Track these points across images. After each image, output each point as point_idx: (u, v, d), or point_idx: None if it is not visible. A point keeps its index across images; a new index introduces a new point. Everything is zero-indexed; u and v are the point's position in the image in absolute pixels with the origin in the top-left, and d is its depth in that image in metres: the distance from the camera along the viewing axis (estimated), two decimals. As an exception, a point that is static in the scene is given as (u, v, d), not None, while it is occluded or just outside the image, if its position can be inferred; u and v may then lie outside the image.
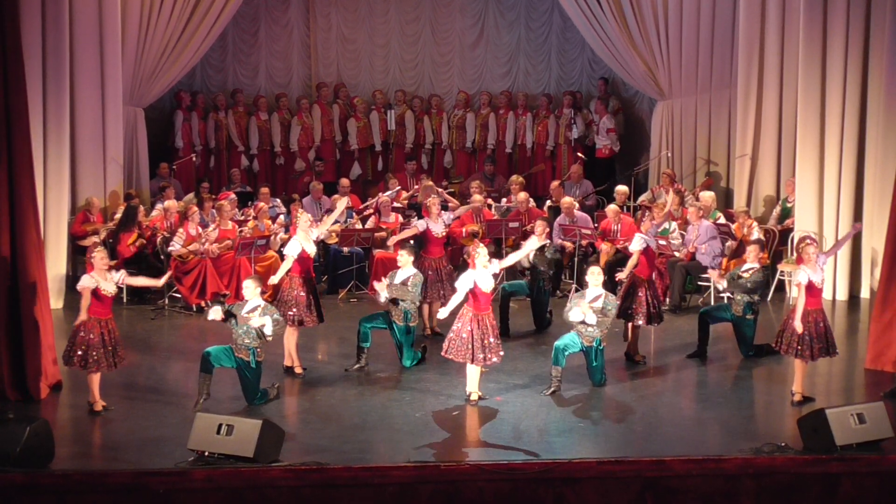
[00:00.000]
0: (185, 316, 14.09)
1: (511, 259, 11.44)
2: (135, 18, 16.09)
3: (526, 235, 14.94)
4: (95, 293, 10.36)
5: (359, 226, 15.44)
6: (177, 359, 12.30)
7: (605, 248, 14.82)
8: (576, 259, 14.99)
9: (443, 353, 10.86)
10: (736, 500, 9.00)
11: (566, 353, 11.02)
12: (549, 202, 16.60)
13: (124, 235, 14.51)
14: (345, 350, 12.29)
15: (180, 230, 14.50)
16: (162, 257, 14.42)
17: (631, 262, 12.10)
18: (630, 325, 12.03)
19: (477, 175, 18.35)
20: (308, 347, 12.51)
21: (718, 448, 9.59)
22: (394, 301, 11.73)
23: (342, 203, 13.11)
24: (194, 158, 18.17)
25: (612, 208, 15.39)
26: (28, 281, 10.79)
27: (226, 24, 17.52)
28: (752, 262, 12.14)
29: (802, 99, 14.72)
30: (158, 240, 14.62)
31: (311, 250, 11.85)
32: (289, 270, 11.75)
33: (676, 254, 14.41)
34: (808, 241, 10.93)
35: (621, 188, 16.50)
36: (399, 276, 11.79)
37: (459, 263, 14.16)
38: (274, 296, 13.82)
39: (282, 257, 14.41)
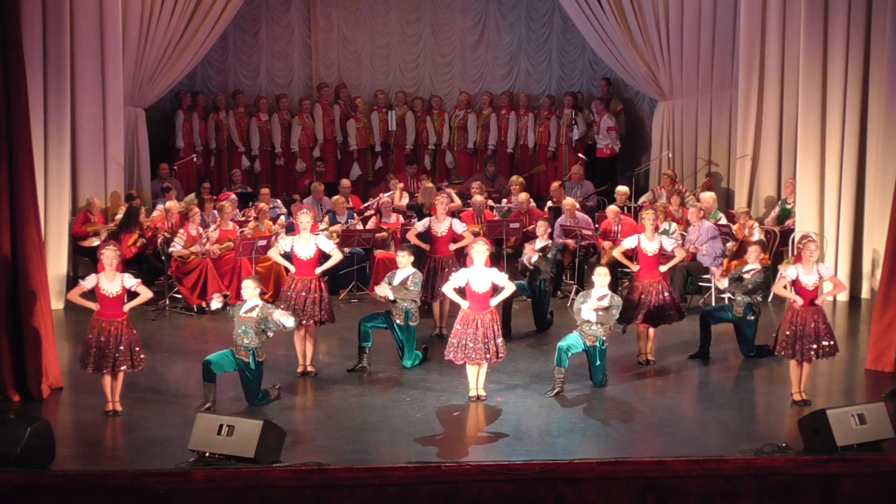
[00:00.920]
0: (185, 316, 14.09)
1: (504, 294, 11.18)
2: (136, 19, 16.10)
3: (527, 236, 14.96)
4: (94, 293, 10.35)
5: (360, 227, 15.44)
6: (177, 359, 12.30)
7: (607, 245, 14.81)
8: (576, 259, 14.99)
9: (452, 360, 10.85)
10: (736, 500, 9.00)
11: (569, 354, 11.02)
12: (549, 203, 16.61)
13: (125, 236, 14.51)
14: (345, 351, 12.29)
15: (181, 231, 14.51)
16: (163, 258, 14.42)
17: (677, 259, 12.24)
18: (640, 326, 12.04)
19: (478, 175, 18.36)
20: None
21: (719, 448, 9.58)
22: (394, 301, 11.74)
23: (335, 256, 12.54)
24: (195, 159, 18.18)
25: (612, 209, 15.40)
26: (29, 281, 10.79)
27: (227, 25, 17.54)
28: (753, 263, 12.13)
29: (803, 99, 14.72)
30: (159, 240, 14.62)
31: (305, 253, 11.79)
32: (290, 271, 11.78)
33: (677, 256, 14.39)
34: (809, 239, 10.93)
35: (622, 189, 16.50)
36: (398, 277, 11.79)
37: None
38: (275, 296, 13.89)
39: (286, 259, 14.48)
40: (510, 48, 19.81)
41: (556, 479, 8.91)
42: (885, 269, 11.95)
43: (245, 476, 8.78)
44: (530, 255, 13.29)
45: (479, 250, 10.91)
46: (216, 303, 10.74)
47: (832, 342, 10.75)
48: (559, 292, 14.68)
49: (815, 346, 10.62)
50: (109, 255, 10.39)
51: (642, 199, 16.85)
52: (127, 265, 13.64)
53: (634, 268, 12.10)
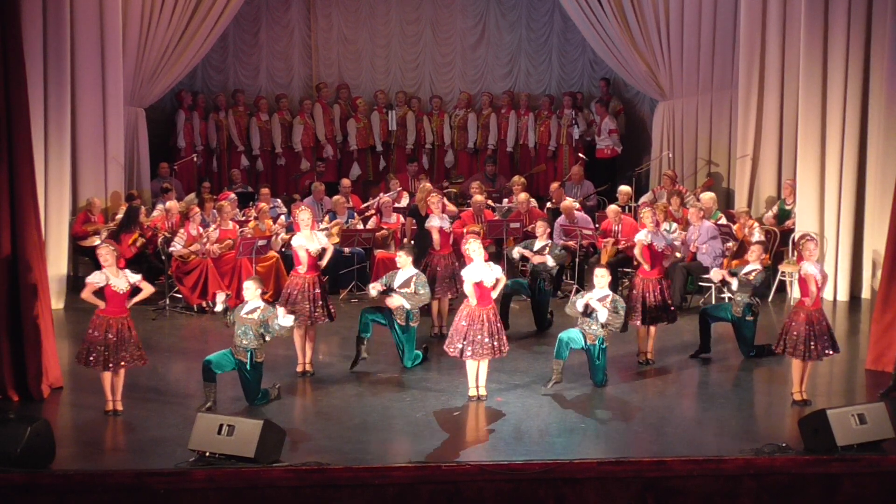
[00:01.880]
0: (185, 316, 14.09)
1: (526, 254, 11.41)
2: (136, 19, 16.11)
3: (527, 236, 14.96)
4: (103, 291, 10.35)
5: (360, 226, 15.44)
6: (178, 359, 12.30)
7: (608, 242, 14.83)
8: (577, 259, 15.00)
9: (446, 348, 10.86)
10: (736, 500, 9.00)
11: (569, 347, 11.02)
12: (548, 204, 16.61)
13: (125, 236, 14.51)
14: (346, 351, 12.29)
15: (181, 230, 14.51)
16: (163, 257, 14.42)
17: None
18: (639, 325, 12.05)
19: (478, 175, 18.37)
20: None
21: (719, 448, 9.59)
22: (386, 291, 11.74)
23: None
24: (195, 159, 18.18)
25: (612, 208, 15.40)
26: (29, 281, 10.79)
27: (227, 25, 17.55)
28: (754, 263, 12.12)
29: (803, 99, 14.72)
30: (159, 240, 14.62)
31: (313, 248, 11.80)
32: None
33: (677, 254, 14.39)
34: (808, 238, 10.93)
35: (624, 188, 16.51)
36: (399, 277, 11.77)
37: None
38: (275, 295, 13.89)
39: (283, 257, 14.50)
40: (510, 48, 19.82)
41: (556, 479, 8.91)
42: (885, 269, 11.95)
43: (245, 476, 8.78)
44: (538, 260, 13.22)
45: (475, 248, 10.92)
46: (220, 304, 10.75)
47: (831, 342, 10.81)
48: (559, 292, 14.68)
49: (825, 344, 10.63)
50: (105, 253, 10.44)
51: (642, 199, 16.85)
52: (128, 265, 13.62)
53: (647, 266, 12.08)
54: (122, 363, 10.32)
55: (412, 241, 14.67)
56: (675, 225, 14.96)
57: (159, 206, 15.72)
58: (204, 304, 14.06)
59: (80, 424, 10.42)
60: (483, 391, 10.86)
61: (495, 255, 14.04)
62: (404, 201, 16.80)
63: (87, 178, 15.31)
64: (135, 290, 10.54)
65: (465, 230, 15.05)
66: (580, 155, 18.29)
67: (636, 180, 17.23)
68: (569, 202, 15.68)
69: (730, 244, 14.67)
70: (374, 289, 11.83)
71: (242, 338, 10.51)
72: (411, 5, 19.72)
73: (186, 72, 17.43)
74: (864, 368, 11.89)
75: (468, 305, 10.84)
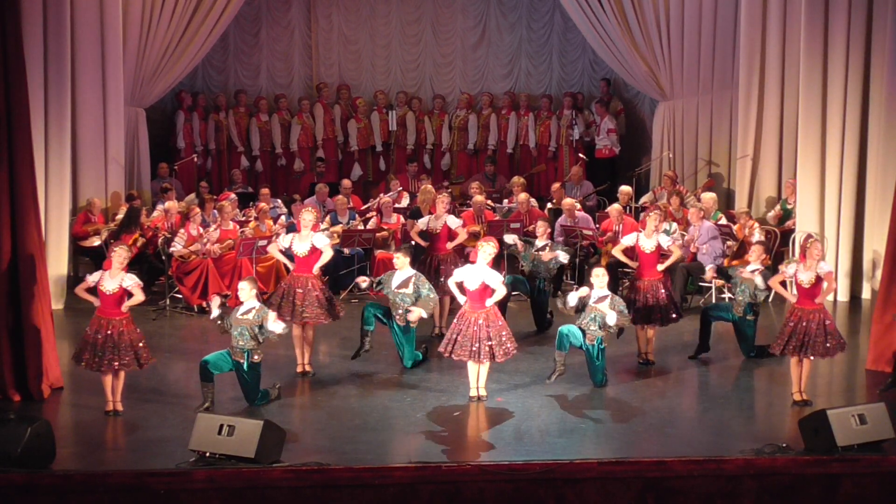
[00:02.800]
0: (186, 316, 14.09)
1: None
2: (136, 19, 16.10)
3: (527, 236, 14.94)
4: (95, 290, 10.37)
5: (360, 227, 15.44)
6: (178, 359, 12.30)
7: (608, 247, 14.82)
8: (577, 260, 14.99)
9: (442, 351, 10.85)
10: (737, 500, 9.00)
11: (569, 340, 11.02)
12: (549, 204, 16.60)
13: (125, 237, 14.50)
14: (346, 351, 12.28)
15: (181, 230, 14.51)
16: (163, 258, 14.42)
17: (674, 257, 12.24)
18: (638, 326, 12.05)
19: (478, 176, 18.37)
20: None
21: (719, 449, 9.59)
22: (377, 283, 11.80)
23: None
24: (195, 159, 18.19)
25: (615, 208, 15.39)
26: (29, 281, 10.78)
27: (227, 25, 17.54)
28: (755, 263, 12.11)
29: (804, 99, 14.72)
30: (160, 240, 14.62)
31: (302, 250, 11.77)
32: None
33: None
34: (815, 240, 10.95)
35: (625, 188, 16.50)
36: (397, 278, 11.75)
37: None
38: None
39: (286, 256, 14.49)
40: (511, 48, 19.82)
41: (556, 480, 8.91)
42: (885, 269, 11.95)
43: (245, 476, 8.78)
44: (549, 256, 13.19)
45: (487, 251, 10.91)
46: (215, 309, 10.71)
47: (840, 340, 10.77)
48: (559, 292, 14.68)
49: (820, 343, 10.62)
50: (121, 254, 10.46)
51: (643, 199, 16.86)
52: (128, 265, 13.62)
53: (634, 265, 12.11)
54: (114, 364, 10.28)
55: (412, 243, 14.65)
56: (675, 225, 14.96)
57: (159, 207, 15.72)
58: (204, 304, 14.05)
59: (81, 424, 10.42)
60: (483, 392, 10.85)
61: (495, 256, 14.00)
62: (404, 202, 16.80)
63: (87, 178, 15.31)
64: (129, 294, 10.48)
65: (467, 230, 15.06)
66: (580, 155, 18.29)
67: (636, 181, 17.22)
68: (570, 201, 15.67)
69: (730, 244, 14.67)
70: (363, 282, 11.92)
71: (239, 339, 10.51)
72: (412, 5, 19.72)
73: (187, 72, 17.42)
74: (864, 368, 11.89)
75: (470, 306, 10.84)
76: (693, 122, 17.79)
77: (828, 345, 10.66)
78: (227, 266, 14.30)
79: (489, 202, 16.49)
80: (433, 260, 13.21)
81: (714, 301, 14.25)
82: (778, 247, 15.25)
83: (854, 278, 14.76)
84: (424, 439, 9.83)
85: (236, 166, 18.36)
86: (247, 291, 10.64)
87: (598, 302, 11.05)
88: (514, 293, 13.37)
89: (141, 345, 10.47)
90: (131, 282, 10.48)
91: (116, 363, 10.31)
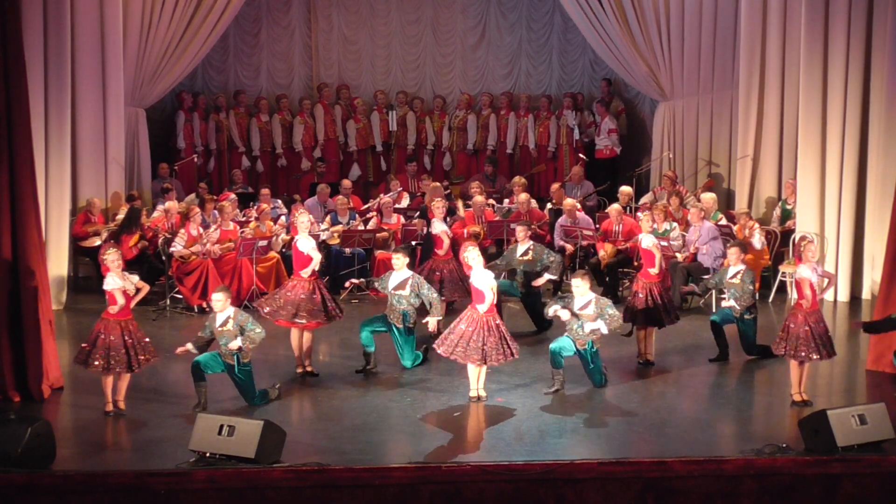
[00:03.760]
0: (186, 317, 14.09)
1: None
2: (136, 19, 16.11)
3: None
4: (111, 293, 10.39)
5: (361, 227, 15.44)
6: (178, 359, 12.23)
7: (607, 249, 14.83)
8: (577, 260, 14.99)
9: (443, 352, 10.85)
10: (737, 500, 9.00)
11: (563, 355, 11.02)
12: (549, 204, 16.60)
13: (126, 237, 14.51)
14: (346, 351, 12.30)
15: (182, 231, 14.51)
16: (163, 258, 14.42)
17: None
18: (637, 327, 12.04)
19: (478, 176, 18.37)
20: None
21: (719, 449, 9.60)
22: (370, 283, 11.89)
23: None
24: (196, 159, 18.19)
25: (615, 208, 15.38)
26: (29, 282, 10.79)
27: (227, 26, 17.54)
28: (735, 265, 12.09)
29: (804, 100, 14.73)
30: (160, 241, 14.62)
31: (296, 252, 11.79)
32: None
33: (678, 255, 14.40)
34: (808, 240, 10.96)
35: (625, 189, 16.50)
36: (394, 279, 11.73)
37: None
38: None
39: (283, 258, 14.52)
40: (511, 49, 19.82)
41: (556, 480, 8.91)
42: (885, 269, 11.95)
43: (245, 476, 8.79)
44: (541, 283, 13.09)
45: (473, 256, 10.94)
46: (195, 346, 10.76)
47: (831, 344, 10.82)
48: (559, 293, 14.67)
49: (823, 344, 10.65)
50: (113, 258, 10.45)
51: (643, 199, 16.86)
52: (128, 266, 13.63)
53: (653, 269, 12.05)
54: (125, 365, 10.31)
55: (412, 243, 14.67)
56: (675, 225, 14.96)
57: (159, 207, 15.72)
58: (204, 304, 14.05)
59: (81, 425, 10.42)
60: (482, 392, 10.86)
61: (496, 256, 14.02)
62: (405, 202, 16.80)
63: (87, 178, 15.32)
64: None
65: (465, 231, 15.08)
66: (580, 155, 18.29)
67: (637, 181, 17.22)
68: (570, 202, 15.66)
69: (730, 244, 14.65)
70: (356, 282, 12.13)
71: (225, 346, 10.53)
72: (412, 6, 19.73)
73: (187, 72, 17.43)
74: (864, 369, 11.90)
75: (472, 309, 10.84)
76: (693, 123, 17.80)
77: (824, 349, 10.67)
78: (227, 266, 14.30)
79: (490, 201, 16.48)
80: (434, 263, 13.21)
81: (714, 302, 14.23)
82: (778, 247, 15.25)
83: (854, 278, 14.76)
84: (424, 439, 9.83)
85: (237, 166, 18.36)
86: (222, 302, 10.59)
87: (582, 309, 11.02)
88: (506, 294, 13.27)
89: (147, 340, 10.51)
90: (135, 278, 10.58)
91: (123, 364, 10.31)
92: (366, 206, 16.48)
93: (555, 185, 17.06)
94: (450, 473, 8.90)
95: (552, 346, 11.08)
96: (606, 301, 11.21)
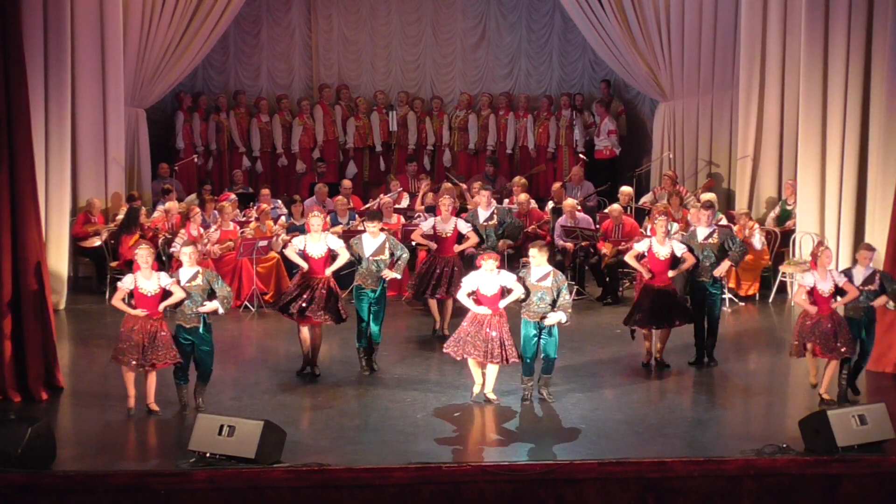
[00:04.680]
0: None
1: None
2: (136, 19, 16.09)
3: (527, 237, 14.94)
4: (132, 293, 10.42)
5: (361, 227, 15.42)
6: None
7: (607, 248, 14.82)
8: (577, 260, 14.99)
9: (449, 352, 10.84)
10: (737, 500, 9.01)
11: (528, 355, 10.83)
12: (551, 204, 16.58)
13: (126, 237, 14.51)
14: (347, 351, 12.28)
15: (182, 231, 14.51)
16: (163, 258, 14.42)
17: (686, 264, 11.97)
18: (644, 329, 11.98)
19: (478, 176, 18.36)
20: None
21: (719, 449, 9.59)
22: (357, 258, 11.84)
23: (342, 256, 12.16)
24: (196, 160, 18.18)
25: (615, 208, 15.37)
26: (29, 282, 10.79)
27: (227, 26, 17.52)
28: (705, 227, 12.05)
29: (804, 100, 14.71)
30: (160, 241, 14.62)
31: (316, 252, 11.76)
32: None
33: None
34: (825, 247, 10.93)
35: (625, 189, 16.48)
36: (370, 245, 11.77)
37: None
38: (276, 296, 13.91)
39: (283, 258, 14.52)
40: (511, 49, 19.81)
41: (556, 480, 8.92)
42: (885, 269, 11.94)
43: (245, 476, 8.79)
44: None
45: (490, 266, 10.79)
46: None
47: (850, 346, 10.76)
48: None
49: (837, 345, 10.64)
50: (144, 254, 10.48)
51: (643, 199, 16.85)
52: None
53: (647, 275, 11.86)
54: (155, 363, 10.34)
55: (412, 244, 14.63)
56: (675, 225, 14.95)
57: (160, 207, 15.72)
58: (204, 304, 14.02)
59: (81, 425, 10.43)
60: (492, 396, 10.81)
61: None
62: (404, 202, 16.80)
63: (87, 178, 15.31)
64: (167, 293, 10.48)
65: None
66: (580, 155, 18.29)
67: (637, 181, 17.21)
68: (570, 202, 15.65)
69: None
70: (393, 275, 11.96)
71: (192, 305, 10.49)
72: (412, 6, 19.71)
73: (187, 73, 17.41)
74: (864, 369, 11.88)
75: (474, 308, 10.83)
76: (693, 123, 17.78)
77: (842, 347, 10.66)
78: (227, 266, 14.30)
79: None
80: (438, 262, 13.16)
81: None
82: (778, 247, 15.24)
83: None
84: (425, 439, 9.82)
85: (237, 167, 18.35)
86: (188, 256, 10.63)
87: (540, 280, 10.77)
88: None
89: (153, 348, 10.47)
90: (168, 280, 10.51)
91: (156, 362, 10.34)
92: (365, 207, 16.47)
93: (556, 185, 17.04)
94: (450, 473, 8.91)
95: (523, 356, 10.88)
96: (563, 278, 10.97)
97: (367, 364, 11.78)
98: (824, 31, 14.39)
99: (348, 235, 14.94)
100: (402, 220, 15.59)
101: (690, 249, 11.97)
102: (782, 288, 14.98)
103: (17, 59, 10.74)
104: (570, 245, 15.04)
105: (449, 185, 16.49)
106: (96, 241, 14.92)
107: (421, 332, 13.21)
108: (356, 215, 15.90)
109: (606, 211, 15.62)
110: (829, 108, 14.49)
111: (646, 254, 11.88)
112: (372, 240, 11.80)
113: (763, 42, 16.05)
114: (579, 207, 15.85)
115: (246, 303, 14.31)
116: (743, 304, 14.78)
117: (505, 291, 10.79)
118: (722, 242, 12.11)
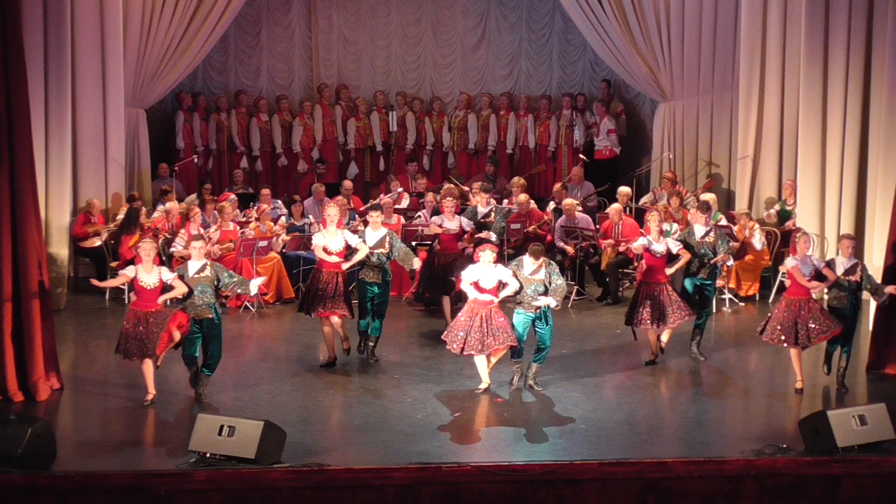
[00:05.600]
0: (186, 317, 14.08)
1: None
2: (136, 19, 16.10)
3: (527, 237, 14.94)
4: (132, 285, 10.56)
5: (361, 227, 15.42)
6: (178, 359, 12.19)
7: (608, 244, 14.83)
8: (577, 260, 14.99)
9: (453, 350, 10.88)
10: (737, 501, 9.01)
11: (523, 340, 11.02)
12: (552, 203, 16.58)
13: (126, 237, 14.51)
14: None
15: (182, 231, 14.51)
16: (164, 259, 14.41)
17: (682, 261, 12.08)
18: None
19: (478, 176, 18.36)
20: (313, 346, 12.56)
21: (720, 449, 9.59)
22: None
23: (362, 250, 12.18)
24: (196, 160, 18.18)
25: (615, 207, 15.39)
26: (30, 282, 10.78)
27: (227, 26, 17.54)
28: (701, 225, 12.18)
29: (804, 100, 14.72)
30: (160, 241, 14.61)
31: (334, 247, 11.81)
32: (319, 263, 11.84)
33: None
34: (801, 233, 11.11)
35: (624, 189, 16.49)
36: (372, 238, 11.84)
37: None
38: (276, 296, 13.94)
39: (283, 258, 14.55)
40: (511, 49, 19.81)
41: (556, 480, 8.91)
42: (885, 269, 11.95)
43: (246, 477, 8.79)
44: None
45: (488, 258, 10.96)
46: (254, 288, 11.03)
47: (829, 321, 10.90)
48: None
49: (814, 327, 10.77)
50: (147, 248, 10.66)
51: (643, 200, 16.86)
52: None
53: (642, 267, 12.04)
54: (156, 352, 10.45)
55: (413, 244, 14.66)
56: (675, 226, 14.95)
57: (160, 207, 15.72)
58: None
59: (81, 425, 10.42)
60: (487, 382, 11.00)
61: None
62: (404, 202, 16.79)
63: (87, 178, 15.31)
64: (168, 287, 10.62)
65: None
66: (580, 156, 18.29)
67: (637, 181, 17.22)
68: (570, 202, 15.65)
69: (733, 244, 14.63)
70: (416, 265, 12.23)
71: (202, 296, 10.65)
72: (412, 6, 19.72)
73: (187, 73, 17.42)
74: (864, 369, 11.89)
75: (470, 303, 10.92)
76: (693, 123, 17.79)
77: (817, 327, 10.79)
78: (227, 267, 14.25)
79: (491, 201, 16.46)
80: (440, 258, 13.28)
81: (714, 302, 14.21)
82: (778, 247, 15.25)
83: (854, 279, 14.74)
84: (425, 440, 9.82)
85: (237, 167, 18.35)
86: (197, 250, 10.83)
87: (533, 274, 10.99)
88: None
89: (151, 342, 10.54)
90: (170, 275, 10.64)
91: (148, 355, 10.45)
92: (365, 207, 16.46)
93: (556, 185, 17.05)
94: (450, 474, 8.90)
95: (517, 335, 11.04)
96: (555, 266, 11.15)
97: (371, 352, 11.99)
98: (824, 31, 14.40)
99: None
100: (402, 220, 15.59)
101: (688, 246, 12.04)
102: (782, 288, 14.96)
103: (18, 59, 10.73)
104: (570, 248, 15.02)
105: (450, 185, 16.49)
106: (96, 242, 14.92)
107: (422, 331, 13.21)
108: (356, 215, 15.90)
109: (606, 211, 15.63)
110: (829, 109, 14.51)
111: (642, 252, 11.97)
112: (373, 232, 11.92)
113: (763, 42, 16.06)
114: (579, 208, 15.85)
115: (246, 303, 14.31)
116: (743, 304, 14.78)
117: (502, 285, 10.96)
118: (717, 241, 12.19)
